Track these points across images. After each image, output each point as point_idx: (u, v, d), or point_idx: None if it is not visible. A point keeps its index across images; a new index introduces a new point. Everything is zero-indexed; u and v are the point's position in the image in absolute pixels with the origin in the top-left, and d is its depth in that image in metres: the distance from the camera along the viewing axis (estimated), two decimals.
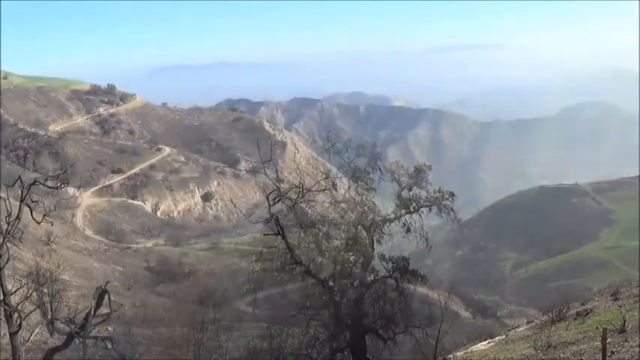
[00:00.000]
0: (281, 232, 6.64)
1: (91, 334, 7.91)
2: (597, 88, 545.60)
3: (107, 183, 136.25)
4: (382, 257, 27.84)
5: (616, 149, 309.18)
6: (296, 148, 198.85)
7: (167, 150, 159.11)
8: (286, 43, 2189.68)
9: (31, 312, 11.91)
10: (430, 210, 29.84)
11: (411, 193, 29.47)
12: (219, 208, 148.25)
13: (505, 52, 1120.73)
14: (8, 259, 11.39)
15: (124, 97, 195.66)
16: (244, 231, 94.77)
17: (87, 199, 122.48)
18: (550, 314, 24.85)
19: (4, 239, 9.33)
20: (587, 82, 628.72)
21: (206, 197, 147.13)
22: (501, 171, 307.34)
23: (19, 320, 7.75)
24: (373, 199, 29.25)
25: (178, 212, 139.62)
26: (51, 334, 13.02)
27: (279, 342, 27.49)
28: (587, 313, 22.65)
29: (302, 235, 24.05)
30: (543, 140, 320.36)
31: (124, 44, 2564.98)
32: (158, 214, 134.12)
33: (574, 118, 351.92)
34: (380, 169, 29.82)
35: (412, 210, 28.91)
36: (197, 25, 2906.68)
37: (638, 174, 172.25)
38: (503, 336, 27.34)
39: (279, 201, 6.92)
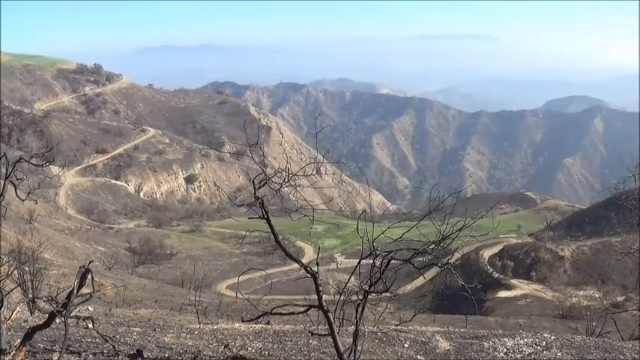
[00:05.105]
0: (266, 216, 6.64)
1: (72, 314, 7.87)
2: (588, 85, 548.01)
3: (91, 163, 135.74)
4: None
5: (603, 144, 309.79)
6: (281, 132, 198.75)
7: (151, 131, 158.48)
8: (274, 28, 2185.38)
9: (12, 290, 11.81)
10: None
11: None
12: (202, 190, 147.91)
13: (494, 44, 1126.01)
14: None
15: (110, 77, 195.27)
16: (227, 214, 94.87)
17: (70, 178, 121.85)
18: None
19: None
20: (576, 77, 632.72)
21: (189, 179, 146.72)
22: (485, 161, 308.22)
23: (0, 298, 7.71)
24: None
25: (161, 194, 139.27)
26: (31, 313, 12.98)
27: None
28: None
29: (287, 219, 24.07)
30: (528, 132, 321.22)
31: (111, 24, 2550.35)
32: (141, 195, 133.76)
33: (560, 111, 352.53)
34: None
35: None
36: (185, 7, 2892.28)
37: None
38: None
39: (264, 185, 6.90)
